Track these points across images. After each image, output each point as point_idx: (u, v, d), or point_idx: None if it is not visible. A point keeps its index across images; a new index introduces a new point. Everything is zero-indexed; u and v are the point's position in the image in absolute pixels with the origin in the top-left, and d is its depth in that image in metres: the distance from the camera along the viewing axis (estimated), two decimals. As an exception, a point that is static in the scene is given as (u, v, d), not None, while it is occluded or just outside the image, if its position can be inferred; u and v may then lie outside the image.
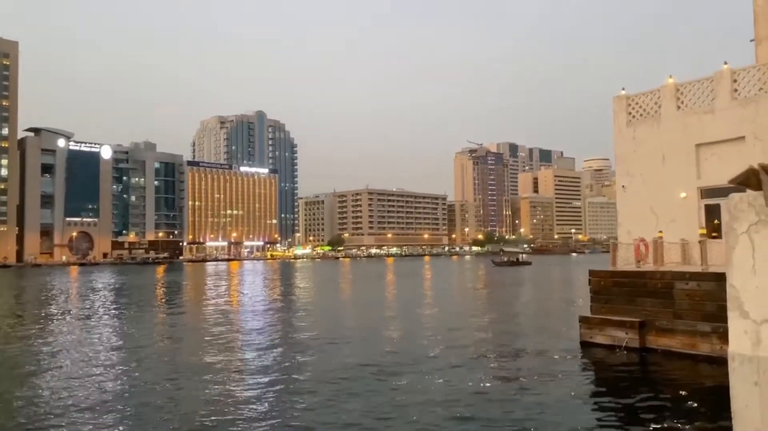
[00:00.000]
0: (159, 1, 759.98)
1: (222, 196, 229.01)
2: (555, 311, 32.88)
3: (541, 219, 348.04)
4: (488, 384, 14.95)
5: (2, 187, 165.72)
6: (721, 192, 18.77)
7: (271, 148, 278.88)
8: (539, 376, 15.68)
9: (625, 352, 17.87)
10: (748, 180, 6.72)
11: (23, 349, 21.72)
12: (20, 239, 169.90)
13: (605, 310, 19.37)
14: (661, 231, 20.23)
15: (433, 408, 12.72)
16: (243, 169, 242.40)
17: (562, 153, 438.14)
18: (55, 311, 36.45)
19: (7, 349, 21.84)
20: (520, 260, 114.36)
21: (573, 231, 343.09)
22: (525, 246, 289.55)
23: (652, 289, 18.10)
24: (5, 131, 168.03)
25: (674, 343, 17.30)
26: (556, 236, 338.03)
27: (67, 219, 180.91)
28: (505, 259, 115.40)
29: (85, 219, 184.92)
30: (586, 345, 19.33)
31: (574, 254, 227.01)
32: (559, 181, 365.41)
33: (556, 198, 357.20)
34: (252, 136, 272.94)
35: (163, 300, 44.70)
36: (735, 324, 6.86)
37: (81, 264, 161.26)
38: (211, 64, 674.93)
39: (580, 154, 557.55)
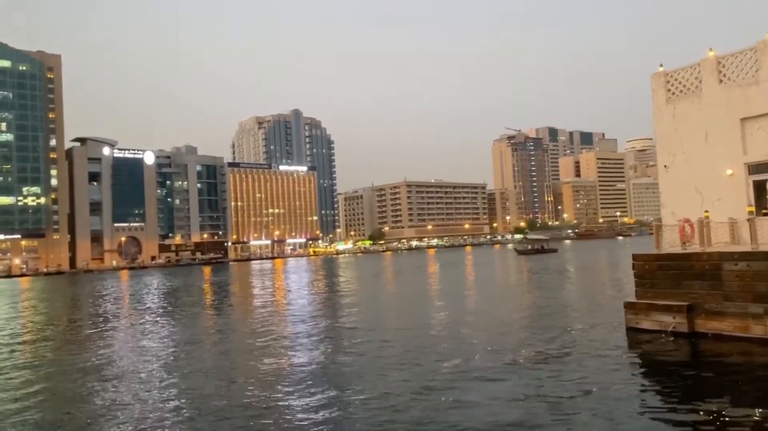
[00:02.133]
0: (193, 6, 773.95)
1: (263, 195, 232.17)
2: (594, 299, 32.12)
3: (585, 204, 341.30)
4: (536, 371, 14.64)
5: (53, 196, 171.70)
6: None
7: (308, 146, 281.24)
8: (587, 365, 15.28)
9: (673, 337, 17.29)
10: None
11: (80, 352, 22.42)
12: (72, 246, 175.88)
13: (651, 295, 18.77)
14: (707, 211, 19.48)
15: (482, 396, 12.53)
16: (282, 167, 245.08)
17: (603, 135, 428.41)
18: (108, 314, 37.68)
19: (65, 352, 22.59)
20: (545, 248, 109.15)
21: (618, 214, 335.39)
22: (569, 231, 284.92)
23: (699, 271, 17.43)
24: (53, 142, 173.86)
25: (725, 326, 16.65)
26: (600, 220, 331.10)
27: (115, 224, 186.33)
28: (529, 247, 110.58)
29: (132, 224, 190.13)
30: (632, 331, 18.79)
31: (620, 237, 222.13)
32: (602, 163, 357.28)
33: (600, 181, 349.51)
34: (289, 135, 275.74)
35: (213, 301, 45.58)
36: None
37: (131, 268, 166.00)
38: (246, 66, 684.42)
39: (622, 135, 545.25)
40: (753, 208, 18.77)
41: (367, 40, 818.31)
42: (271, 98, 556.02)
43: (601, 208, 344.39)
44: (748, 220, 17.90)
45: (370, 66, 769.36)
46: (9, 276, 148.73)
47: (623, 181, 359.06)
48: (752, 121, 19.43)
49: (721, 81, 20.22)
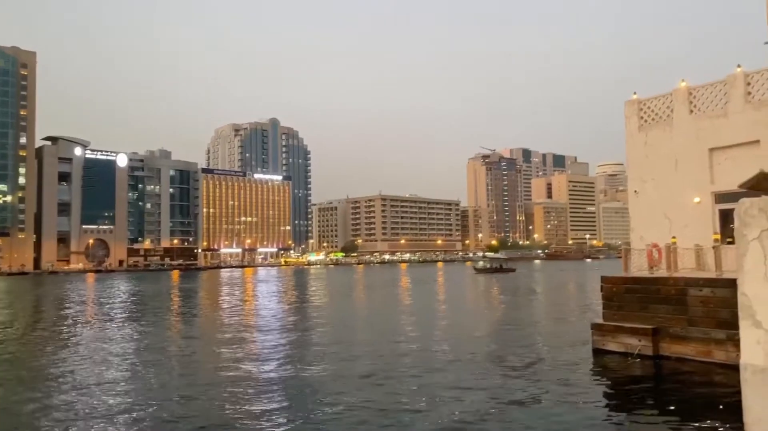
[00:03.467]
0: (172, 11, 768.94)
1: (236, 203, 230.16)
2: (560, 320, 32.51)
3: (555, 225, 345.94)
4: (499, 393, 14.76)
5: (20, 195, 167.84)
6: (736, 196, 18.41)
7: (284, 155, 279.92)
8: (552, 384, 15.47)
9: (639, 359, 17.60)
10: (759, 184, 6.56)
11: (39, 356, 21.90)
12: (38, 246, 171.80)
13: (618, 317, 19.10)
14: (674, 237, 19.94)
15: (444, 418, 12.57)
16: (257, 176, 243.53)
17: (575, 158, 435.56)
18: (72, 318, 36.77)
19: (24, 356, 22.02)
20: (503, 267, 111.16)
21: (587, 236, 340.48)
22: (539, 251, 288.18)
23: (665, 296, 17.82)
24: (23, 140, 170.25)
25: (688, 351, 17.01)
26: (570, 242, 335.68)
27: (84, 226, 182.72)
28: (488, 266, 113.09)
29: (101, 227, 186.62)
30: (598, 353, 19.07)
31: (588, 260, 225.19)
32: (573, 186, 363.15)
33: (570, 203, 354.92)
34: (266, 143, 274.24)
35: (179, 308, 44.89)
36: (747, 334, 6.69)
37: (97, 271, 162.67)
38: (225, 72, 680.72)
39: (594, 159, 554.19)
40: (718, 236, 19.28)
41: (348, 54, 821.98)
42: (249, 106, 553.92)
43: (571, 229, 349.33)
44: (714, 248, 18.38)
45: (349, 80, 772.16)
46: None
47: (593, 205, 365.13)
48: (720, 152, 20.02)
49: (691, 111, 20.82)
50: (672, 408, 13.10)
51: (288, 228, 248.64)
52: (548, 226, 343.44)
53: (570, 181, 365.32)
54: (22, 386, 16.66)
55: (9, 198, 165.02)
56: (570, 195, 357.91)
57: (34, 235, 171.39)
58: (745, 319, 6.05)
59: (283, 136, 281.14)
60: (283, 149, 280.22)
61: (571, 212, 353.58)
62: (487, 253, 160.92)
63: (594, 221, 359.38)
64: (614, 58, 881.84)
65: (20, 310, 45.32)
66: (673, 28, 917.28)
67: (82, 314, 39.51)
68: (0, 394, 15.59)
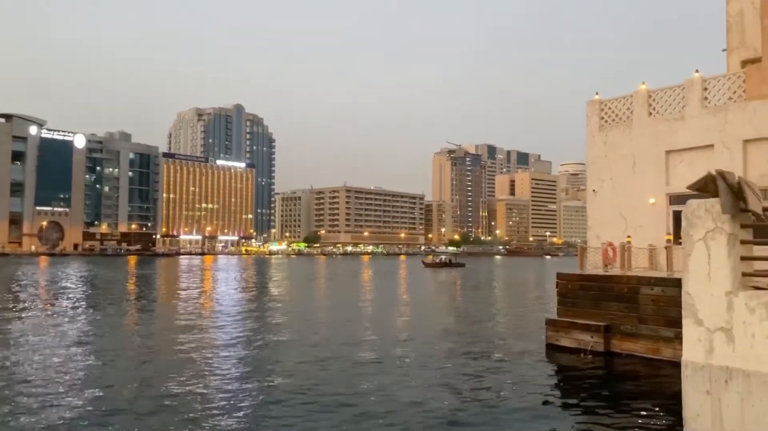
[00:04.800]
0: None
1: (197, 189, 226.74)
2: (512, 315, 32.97)
3: (517, 222, 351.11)
4: (451, 384, 14.83)
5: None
6: (690, 198, 18.96)
7: (248, 143, 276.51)
8: (502, 378, 15.63)
9: (590, 356, 17.93)
10: (706, 186, 6.67)
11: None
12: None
13: (571, 313, 19.41)
14: (629, 236, 20.34)
15: (397, 412, 12.55)
16: (219, 162, 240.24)
17: (539, 156, 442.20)
18: (21, 304, 35.45)
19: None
20: (452, 262, 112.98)
21: (548, 234, 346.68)
22: (500, 247, 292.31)
23: (618, 293, 18.17)
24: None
25: (638, 348, 17.39)
26: (531, 238, 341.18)
27: (38, 208, 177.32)
28: (437, 260, 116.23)
29: (55, 209, 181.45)
30: (551, 348, 19.36)
31: (548, 257, 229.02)
32: (536, 184, 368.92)
33: (532, 201, 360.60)
34: (230, 130, 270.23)
35: (135, 295, 43.91)
36: (689, 332, 6.83)
37: (51, 255, 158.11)
38: (189, 56, 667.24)
39: (557, 158, 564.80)
40: (671, 236, 19.72)
41: (318, 44, 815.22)
42: (213, 91, 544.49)
43: (532, 226, 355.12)
44: (666, 248, 18.82)
45: (316, 68, 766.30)
46: None
47: (555, 203, 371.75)
48: (676, 154, 20.48)
49: (650, 113, 21.23)
50: (619, 403, 13.36)
51: (250, 216, 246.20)
52: (510, 223, 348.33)
53: (533, 179, 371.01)
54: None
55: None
56: (532, 192, 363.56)
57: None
58: (688, 317, 6.16)
59: (248, 123, 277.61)
60: (248, 136, 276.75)
61: (533, 209, 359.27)
62: (434, 248, 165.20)
63: (555, 219, 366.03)
64: (581, 57, 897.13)
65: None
66: (642, 33, 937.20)
67: (31, 300, 38.11)
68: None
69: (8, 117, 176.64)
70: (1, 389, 13.93)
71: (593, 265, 21.18)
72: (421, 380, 15.21)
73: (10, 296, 39.70)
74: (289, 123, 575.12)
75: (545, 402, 13.52)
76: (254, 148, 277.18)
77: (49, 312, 30.02)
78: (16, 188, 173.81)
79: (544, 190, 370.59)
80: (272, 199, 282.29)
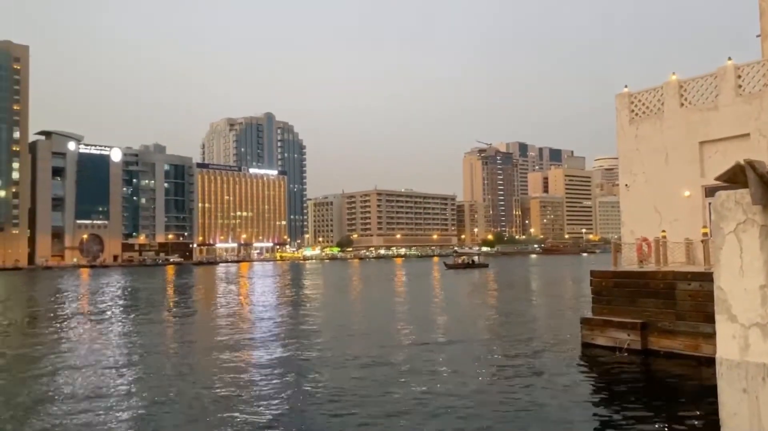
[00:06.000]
0: (168, 3, 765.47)
1: (231, 197, 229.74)
2: (546, 314, 32.48)
3: (552, 219, 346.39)
4: (486, 385, 14.69)
5: (14, 190, 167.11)
6: (726, 190, 18.40)
7: (279, 150, 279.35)
8: (539, 378, 15.40)
9: (627, 354, 17.54)
10: (736, 176, 6.40)
11: (35, 351, 21.75)
12: (32, 242, 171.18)
13: (607, 311, 19.02)
14: (664, 231, 19.86)
15: (434, 411, 12.49)
16: (252, 170, 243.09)
17: (572, 152, 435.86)
18: (67, 314, 36.59)
19: (20, 351, 21.87)
20: (476, 262, 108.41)
21: (584, 230, 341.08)
22: (535, 246, 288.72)
23: (653, 290, 17.73)
24: (17, 135, 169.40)
25: (676, 345, 16.94)
26: (566, 236, 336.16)
27: (78, 221, 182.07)
28: (459, 261, 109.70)
29: (95, 222, 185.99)
30: (587, 347, 19.01)
31: (584, 254, 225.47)
32: (570, 180, 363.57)
33: (567, 197, 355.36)
34: (261, 138, 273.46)
35: (174, 303, 44.70)
36: (723, 328, 6.58)
37: (91, 267, 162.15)
38: (220, 67, 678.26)
39: (590, 153, 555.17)
40: (708, 230, 19.19)
41: (344, 50, 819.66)
42: (244, 101, 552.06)
43: (568, 224, 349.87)
44: (703, 241, 18.30)
45: (344, 75, 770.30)
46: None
47: (590, 199, 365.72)
48: (710, 145, 19.92)
49: (682, 104, 20.70)
50: (657, 402, 13.04)
51: (283, 223, 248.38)
52: (545, 221, 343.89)
53: (566, 175, 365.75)
54: (17, 381, 16.51)
55: (2, 193, 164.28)
56: (567, 189, 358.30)
57: (28, 230, 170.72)
58: (721, 313, 5.95)
59: (279, 131, 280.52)
60: (279, 144, 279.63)
61: (567, 206, 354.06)
62: (457, 248, 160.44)
63: (590, 215, 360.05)
64: (611, 50, 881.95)
65: (14, 306, 45.06)
66: (670, 19, 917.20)
67: (76, 310, 39.28)
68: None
69: (48, 134, 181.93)
70: (49, 395, 14.31)
71: (628, 261, 20.74)
72: (455, 382, 15.09)
73: (58, 307, 40.89)
74: (318, 129, 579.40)
75: (582, 402, 13.27)
76: (285, 155, 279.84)
77: (94, 321, 30.76)
78: (57, 203, 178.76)
79: (578, 186, 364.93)
80: (304, 204, 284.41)
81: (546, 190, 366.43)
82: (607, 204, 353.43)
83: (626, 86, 22.84)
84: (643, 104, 22.00)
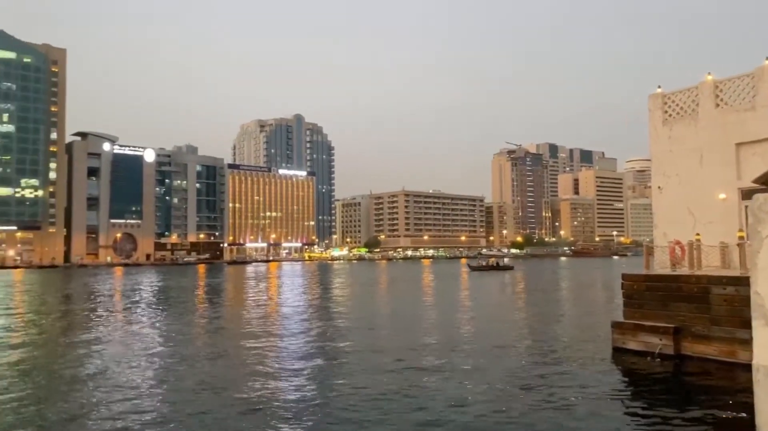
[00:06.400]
0: (199, 7, 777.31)
1: (261, 198, 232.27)
2: (575, 318, 32.06)
3: (582, 221, 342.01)
4: (516, 390, 14.57)
5: (51, 189, 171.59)
6: (764, 193, 17.98)
7: (308, 151, 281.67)
8: (569, 383, 15.22)
9: (659, 359, 17.24)
10: (773, 179, 6.31)
11: (71, 346, 22.32)
12: (68, 240, 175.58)
13: (638, 315, 18.73)
14: (698, 234, 19.47)
15: (461, 413, 12.47)
16: (281, 171, 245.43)
17: (603, 153, 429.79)
18: (102, 310, 37.71)
19: (56, 346, 22.47)
20: (500, 264, 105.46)
21: (615, 233, 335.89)
22: (565, 248, 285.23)
23: (687, 294, 17.40)
24: (54, 136, 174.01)
25: (711, 351, 16.59)
26: (597, 238, 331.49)
27: (112, 221, 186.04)
28: (483, 263, 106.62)
29: (128, 221, 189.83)
30: (618, 351, 18.74)
31: (615, 257, 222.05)
32: (601, 182, 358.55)
33: (598, 199, 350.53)
34: (290, 139, 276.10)
35: (205, 302, 45.38)
36: (760, 334, 6.45)
37: (125, 265, 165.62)
38: (251, 69, 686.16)
39: (622, 155, 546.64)
40: (744, 233, 18.76)
41: (372, 50, 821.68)
42: (274, 102, 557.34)
43: (598, 226, 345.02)
44: (739, 245, 17.89)
45: (372, 75, 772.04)
46: (2, 267, 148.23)
47: (621, 201, 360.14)
48: (747, 147, 19.47)
49: (717, 105, 20.28)
50: (691, 409, 12.79)
51: (312, 223, 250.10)
52: (575, 223, 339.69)
53: (597, 177, 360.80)
54: (48, 379, 16.97)
55: (40, 193, 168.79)
56: (597, 191, 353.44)
57: (65, 229, 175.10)
58: (758, 319, 5.84)
59: (308, 132, 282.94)
60: (308, 145, 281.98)
61: (598, 208, 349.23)
62: (484, 250, 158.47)
63: (622, 218, 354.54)
64: (643, 49, 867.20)
65: (51, 303, 46.29)
66: (707, 24, 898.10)
67: (111, 306, 40.32)
68: (25, 388, 15.90)
69: (84, 135, 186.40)
70: (83, 391, 14.69)
71: (660, 265, 20.38)
72: (483, 387, 14.96)
73: (93, 304, 41.93)
74: (346, 130, 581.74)
75: (613, 408, 13.09)
76: (314, 156, 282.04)
77: (128, 317, 31.43)
78: (92, 202, 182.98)
79: (609, 188, 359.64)
80: (332, 205, 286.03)
81: (576, 191, 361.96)
82: (639, 206, 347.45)
83: (659, 87, 22.47)
84: (677, 105, 21.61)
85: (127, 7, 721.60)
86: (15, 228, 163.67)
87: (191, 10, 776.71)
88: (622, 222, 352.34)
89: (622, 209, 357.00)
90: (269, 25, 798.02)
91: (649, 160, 23.22)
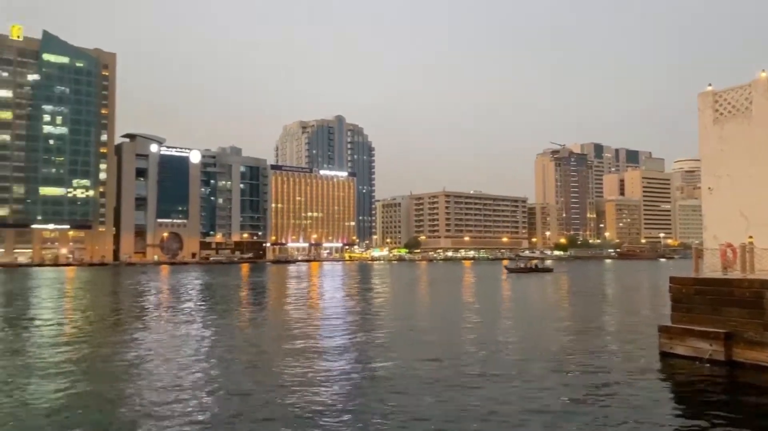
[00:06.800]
0: (241, 10, 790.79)
1: (303, 198, 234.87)
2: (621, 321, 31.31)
3: (628, 223, 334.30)
4: (560, 398, 14.26)
5: (101, 189, 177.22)
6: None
7: (349, 152, 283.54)
8: (614, 388, 14.90)
9: (709, 365, 16.70)
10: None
11: (119, 342, 23.03)
12: (117, 239, 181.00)
13: (687, 320, 18.19)
14: (751, 236, 18.80)
15: (507, 420, 12.35)
16: (323, 172, 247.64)
17: (650, 153, 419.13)
18: (150, 306, 39.10)
19: (106, 342, 23.23)
20: (539, 267, 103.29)
21: (662, 235, 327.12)
22: (610, 250, 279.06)
23: (739, 298, 16.80)
24: (104, 137, 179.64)
25: (765, 357, 15.97)
26: (643, 240, 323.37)
27: (159, 220, 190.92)
28: (522, 265, 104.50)
29: (175, 221, 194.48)
30: (666, 356, 18.24)
31: (662, 259, 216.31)
32: (647, 182, 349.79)
33: (644, 200, 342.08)
34: (332, 140, 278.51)
35: (249, 300, 46.22)
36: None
37: (171, 264, 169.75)
38: (293, 71, 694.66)
39: (670, 155, 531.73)
40: (801, 236, 18.05)
41: (412, 49, 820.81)
42: (315, 104, 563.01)
43: (645, 228, 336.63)
44: (795, 248, 17.20)
45: (412, 76, 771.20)
46: (56, 265, 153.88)
47: (669, 202, 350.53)
48: (804, 146, 18.70)
49: (772, 103, 19.54)
50: (743, 417, 12.35)
51: (352, 223, 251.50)
52: (620, 224, 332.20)
53: (644, 178, 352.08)
54: (102, 370, 17.54)
55: (91, 193, 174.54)
56: (644, 192, 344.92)
57: (114, 228, 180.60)
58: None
59: (349, 133, 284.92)
60: (348, 146, 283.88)
61: (645, 210, 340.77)
62: (520, 253, 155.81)
63: (669, 219, 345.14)
64: (694, 45, 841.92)
65: (103, 298, 47.87)
66: (755, 18, 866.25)
67: (158, 303, 41.70)
68: (83, 377, 16.48)
69: (132, 137, 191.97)
70: (129, 388, 15.13)
71: (711, 268, 19.74)
72: (526, 393, 14.65)
73: (142, 300, 43.22)
74: (387, 131, 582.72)
75: (661, 415, 12.74)
76: (355, 156, 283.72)
77: (174, 314, 32.26)
78: (140, 202, 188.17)
79: (656, 189, 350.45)
80: (373, 205, 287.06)
81: (622, 192, 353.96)
82: (688, 207, 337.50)
83: (710, 84, 21.78)
84: (729, 103, 20.90)
85: (171, 12, 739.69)
86: (68, 227, 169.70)
87: (233, 14, 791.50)
88: (670, 224, 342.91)
89: (669, 210, 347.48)
90: (309, 27, 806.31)
91: (698, 160, 22.50)
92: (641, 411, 12.80)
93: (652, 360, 18.21)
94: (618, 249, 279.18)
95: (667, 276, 20.28)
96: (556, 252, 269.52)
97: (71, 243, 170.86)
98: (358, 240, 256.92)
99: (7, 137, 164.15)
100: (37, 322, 30.40)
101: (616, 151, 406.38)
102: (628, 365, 17.85)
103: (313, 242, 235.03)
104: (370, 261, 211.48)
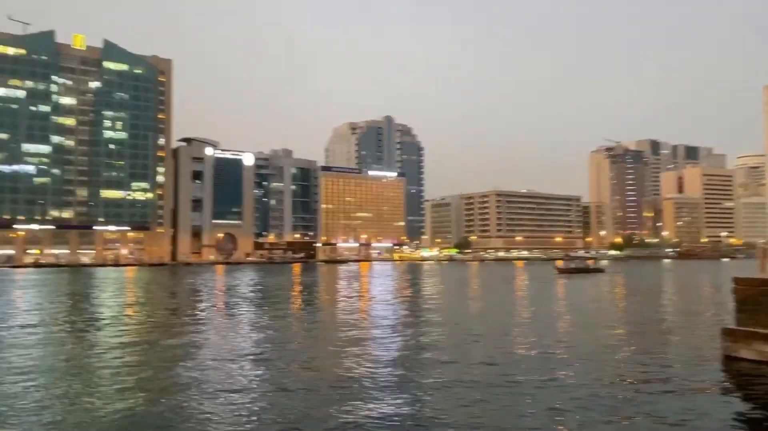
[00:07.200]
0: (294, 13, 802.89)
1: (353, 199, 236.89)
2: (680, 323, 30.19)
3: (688, 222, 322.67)
4: (618, 403, 13.85)
5: (159, 192, 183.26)
6: None
7: (398, 152, 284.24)
8: (677, 393, 14.38)
9: (777, 370, 15.94)
10: None
11: (175, 338, 23.78)
12: (174, 240, 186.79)
13: (753, 322, 17.42)
14: (822, 235, 17.84)
15: (565, 423, 12.13)
16: (372, 172, 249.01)
17: (711, 149, 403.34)
18: (207, 305, 40.62)
19: (161, 339, 24.03)
20: (590, 267, 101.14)
21: (724, 234, 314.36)
22: (669, 250, 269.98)
23: (809, 300, 16.00)
24: (161, 141, 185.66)
25: (837, 362, 15.15)
26: (704, 240, 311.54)
27: (214, 221, 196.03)
28: (572, 266, 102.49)
29: (229, 222, 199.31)
30: (729, 360, 17.51)
31: (725, 259, 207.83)
32: (708, 179, 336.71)
33: (705, 198, 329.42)
34: (381, 141, 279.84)
35: (303, 298, 47.02)
36: None
37: (226, 263, 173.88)
38: (343, 73, 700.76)
39: (732, 151, 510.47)
40: None
41: (460, 49, 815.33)
42: (365, 105, 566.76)
43: (706, 226, 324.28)
44: None
45: (464, 73, 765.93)
46: (117, 265, 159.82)
47: (731, 200, 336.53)
48: None
49: None
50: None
51: (402, 223, 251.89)
52: (679, 223, 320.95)
53: (704, 174, 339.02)
54: (156, 368, 18.14)
55: (149, 195, 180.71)
56: (704, 189, 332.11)
57: (171, 229, 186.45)
58: None
59: (398, 133, 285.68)
60: (398, 146, 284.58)
61: (705, 208, 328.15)
62: (573, 252, 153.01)
63: (732, 218, 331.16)
64: (757, 35, 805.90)
65: (164, 296, 49.55)
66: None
67: (215, 302, 43.38)
68: (141, 374, 17.09)
69: (188, 140, 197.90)
70: (181, 382, 15.58)
71: (778, 268, 18.85)
72: (584, 399, 14.15)
73: (200, 298, 44.61)
74: (436, 130, 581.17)
75: (726, 422, 12.23)
76: (404, 157, 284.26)
77: (230, 312, 33.10)
78: (196, 204, 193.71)
79: (717, 186, 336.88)
80: (422, 205, 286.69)
81: (681, 190, 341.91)
82: (752, 205, 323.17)
83: (777, 76, 20.79)
84: (798, 95, 19.91)
85: (223, 18, 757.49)
86: (128, 228, 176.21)
87: (286, 17, 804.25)
88: (732, 223, 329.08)
89: (732, 208, 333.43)
90: (359, 29, 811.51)
91: (763, 156, 21.52)
92: (705, 419, 12.32)
93: (715, 365, 17.53)
94: (677, 249, 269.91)
95: (730, 276, 19.49)
96: (612, 252, 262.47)
97: (131, 244, 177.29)
98: (407, 241, 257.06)
99: (71, 142, 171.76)
100: (119, 319, 31.69)
101: (674, 147, 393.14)
102: (690, 370, 17.20)
103: (362, 242, 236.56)
104: (420, 262, 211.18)
